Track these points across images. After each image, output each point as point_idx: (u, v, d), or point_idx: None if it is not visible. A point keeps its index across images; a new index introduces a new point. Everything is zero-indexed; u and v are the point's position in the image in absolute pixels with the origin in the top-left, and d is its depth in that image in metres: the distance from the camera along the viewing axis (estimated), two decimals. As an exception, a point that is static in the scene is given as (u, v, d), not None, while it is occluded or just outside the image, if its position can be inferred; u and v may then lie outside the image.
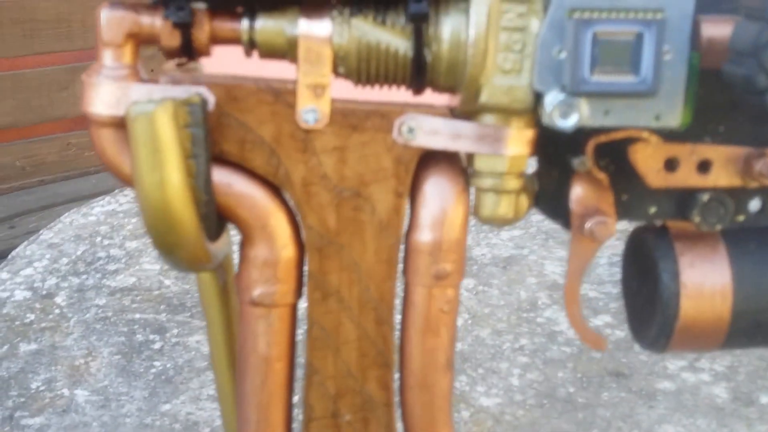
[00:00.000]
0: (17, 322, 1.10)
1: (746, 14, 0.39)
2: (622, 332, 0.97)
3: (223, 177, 0.44)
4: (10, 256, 1.30)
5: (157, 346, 1.04)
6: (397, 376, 0.47)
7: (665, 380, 0.97)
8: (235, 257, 0.49)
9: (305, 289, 0.46)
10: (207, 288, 0.53)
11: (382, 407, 0.47)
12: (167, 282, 1.21)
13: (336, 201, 0.44)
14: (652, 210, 0.46)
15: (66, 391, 0.95)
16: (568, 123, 0.39)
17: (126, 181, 0.43)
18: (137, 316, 1.11)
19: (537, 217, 0.48)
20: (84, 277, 1.23)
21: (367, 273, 0.45)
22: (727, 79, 0.38)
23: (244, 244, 0.46)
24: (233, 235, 0.48)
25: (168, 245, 0.42)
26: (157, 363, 1.00)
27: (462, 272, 0.46)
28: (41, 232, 1.39)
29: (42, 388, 0.96)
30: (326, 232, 0.45)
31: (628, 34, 0.38)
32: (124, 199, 1.54)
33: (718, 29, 0.39)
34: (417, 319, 0.46)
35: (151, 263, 1.27)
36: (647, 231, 0.48)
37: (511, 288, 1.20)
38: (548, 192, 0.46)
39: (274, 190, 0.45)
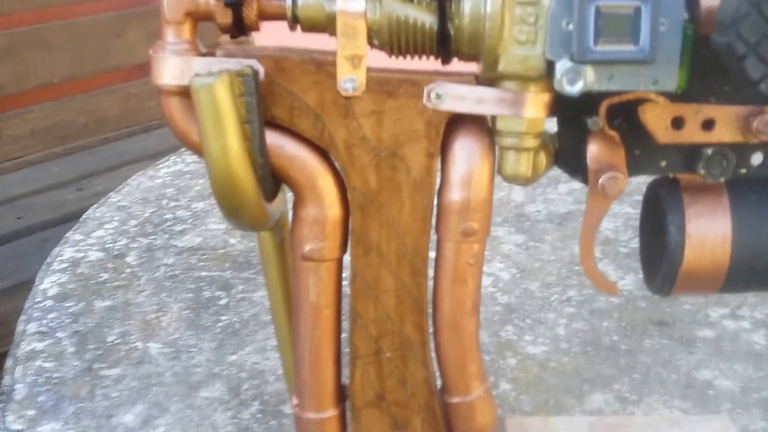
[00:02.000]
0: (92, 281, 1.17)
1: None
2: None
3: (276, 140, 0.49)
4: (81, 219, 1.37)
5: (223, 301, 1.11)
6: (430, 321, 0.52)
7: (706, 328, 1.00)
8: (290, 215, 0.55)
9: (349, 245, 0.52)
10: (266, 245, 0.59)
11: (418, 346, 0.52)
12: (232, 241, 1.27)
13: (375, 161, 0.49)
14: (663, 164, 0.50)
15: (140, 344, 1.02)
16: (575, 88, 0.44)
17: (195, 149, 0.49)
18: (204, 273, 1.18)
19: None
20: (153, 237, 1.30)
21: (404, 229, 0.50)
22: (714, 47, 0.42)
23: (296, 204, 0.51)
24: (288, 196, 0.53)
25: (232, 207, 0.48)
26: (223, 317, 1.07)
27: (488, 229, 0.51)
28: (110, 195, 1.46)
29: (117, 341, 1.03)
30: (368, 191, 0.50)
31: (627, 8, 0.43)
32: (190, 159, 1.60)
33: (714, 1, 0.43)
34: (447, 270, 0.51)
35: (217, 223, 1.33)
36: (660, 184, 0.52)
37: (564, 243, 1.24)
38: (567, 150, 0.50)
39: (322, 153, 0.50)
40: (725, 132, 0.48)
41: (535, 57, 0.45)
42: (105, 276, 1.19)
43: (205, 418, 0.88)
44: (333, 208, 0.50)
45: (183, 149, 1.63)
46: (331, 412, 0.56)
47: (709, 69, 0.46)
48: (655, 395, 0.89)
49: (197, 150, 0.48)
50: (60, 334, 1.04)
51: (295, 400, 0.57)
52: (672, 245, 0.50)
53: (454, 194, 0.50)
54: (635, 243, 0.60)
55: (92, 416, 0.89)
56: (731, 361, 0.93)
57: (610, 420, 0.84)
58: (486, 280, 1.12)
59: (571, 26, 0.44)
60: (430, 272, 0.51)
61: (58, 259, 1.24)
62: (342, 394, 0.57)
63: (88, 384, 0.95)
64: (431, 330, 0.53)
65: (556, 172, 0.54)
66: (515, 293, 1.10)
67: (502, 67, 0.46)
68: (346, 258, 0.52)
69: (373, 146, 0.49)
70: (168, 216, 1.37)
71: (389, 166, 0.49)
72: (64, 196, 2.35)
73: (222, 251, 1.24)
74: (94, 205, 1.43)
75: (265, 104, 0.48)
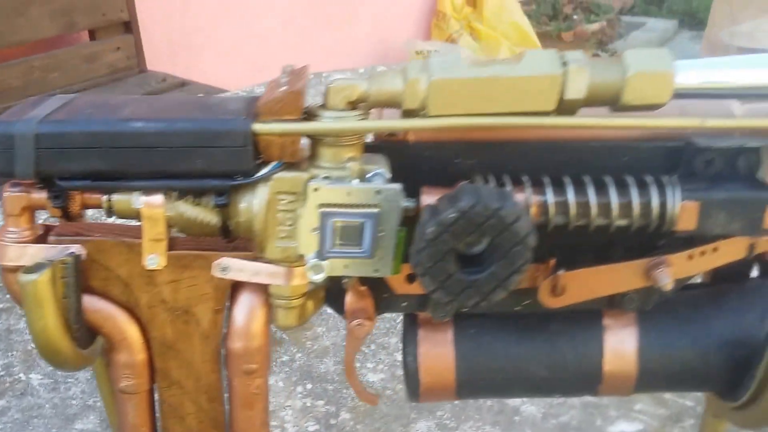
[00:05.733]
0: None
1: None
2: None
3: (92, 304, 0.61)
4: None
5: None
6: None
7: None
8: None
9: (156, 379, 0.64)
10: (97, 366, 0.70)
11: None
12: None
13: (171, 318, 0.61)
14: (404, 304, 0.64)
15: (23, 376, 1.13)
16: (319, 277, 0.57)
17: None
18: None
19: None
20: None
21: (197, 368, 0.63)
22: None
23: (109, 351, 0.63)
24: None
25: (54, 363, 0.59)
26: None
27: (267, 367, 0.64)
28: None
29: (2, 373, 1.14)
30: (166, 340, 0.62)
31: (356, 223, 0.55)
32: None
33: (432, 198, 0.56)
34: (238, 399, 0.64)
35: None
36: (406, 318, 0.66)
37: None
38: (334, 296, 0.63)
39: (129, 311, 0.62)
40: None
41: (292, 248, 0.58)
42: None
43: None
44: (140, 354, 0.62)
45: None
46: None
47: None
48: (471, 421, 1.03)
49: None
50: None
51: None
52: (410, 371, 0.64)
53: (236, 343, 0.62)
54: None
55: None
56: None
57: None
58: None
59: (316, 233, 0.56)
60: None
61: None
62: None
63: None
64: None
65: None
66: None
67: (268, 254, 0.59)
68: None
69: (170, 306, 0.61)
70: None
71: (183, 321, 0.61)
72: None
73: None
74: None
75: (84, 277, 0.59)
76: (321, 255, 0.56)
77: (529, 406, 1.05)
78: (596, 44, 3.96)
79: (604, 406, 1.11)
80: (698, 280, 0.70)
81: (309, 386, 1.11)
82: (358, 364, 1.15)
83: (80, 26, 2.69)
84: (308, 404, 1.04)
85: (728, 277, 0.67)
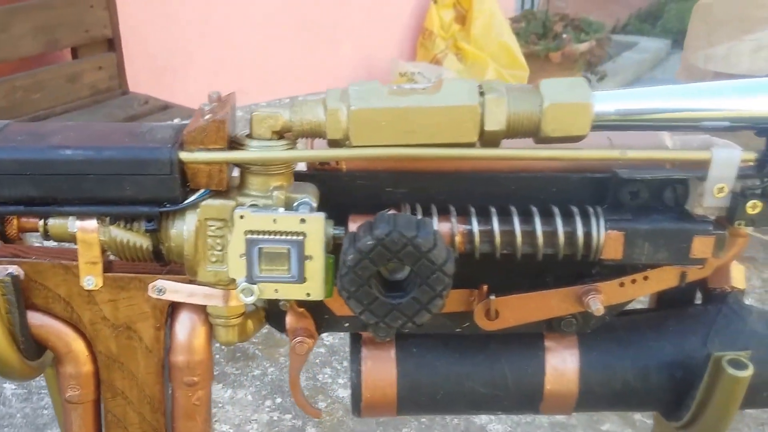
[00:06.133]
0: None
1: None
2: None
3: (38, 319, 0.63)
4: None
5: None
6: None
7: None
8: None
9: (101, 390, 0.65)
10: (49, 379, 0.72)
11: None
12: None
13: (114, 334, 0.63)
14: (346, 325, 0.65)
15: (-4, 385, 1.15)
16: (249, 300, 0.58)
17: None
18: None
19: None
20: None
21: (141, 380, 0.64)
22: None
23: (57, 362, 0.64)
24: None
25: (4, 374, 0.62)
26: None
27: (208, 379, 0.65)
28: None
29: (-24, 382, 1.15)
30: (111, 354, 0.63)
31: (281, 249, 0.57)
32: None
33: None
34: (179, 409, 0.65)
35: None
36: (354, 335, 0.67)
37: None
38: (275, 315, 0.65)
39: (74, 326, 0.63)
40: None
41: (223, 272, 0.60)
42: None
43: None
44: (86, 366, 0.64)
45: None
46: None
47: None
48: (436, 439, 1.04)
49: None
50: None
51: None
52: (353, 386, 0.65)
53: (178, 357, 0.63)
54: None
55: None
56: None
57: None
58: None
59: (244, 258, 0.58)
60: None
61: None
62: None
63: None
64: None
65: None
66: (339, 334, 1.25)
67: (200, 278, 0.61)
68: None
69: (112, 323, 0.62)
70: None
71: (126, 336, 0.63)
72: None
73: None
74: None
75: (26, 295, 0.61)
76: (250, 278, 0.58)
77: (496, 425, 1.06)
78: (585, 65, 3.97)
79: (572, 426, 1.12)
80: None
81: (278, 400, 1.12)
82: (329, 380, 1.16)
83: (63, 44, 2.71)
84: (275, 418, 1.05)
85: (672, 303, 0.69)
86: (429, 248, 0.54)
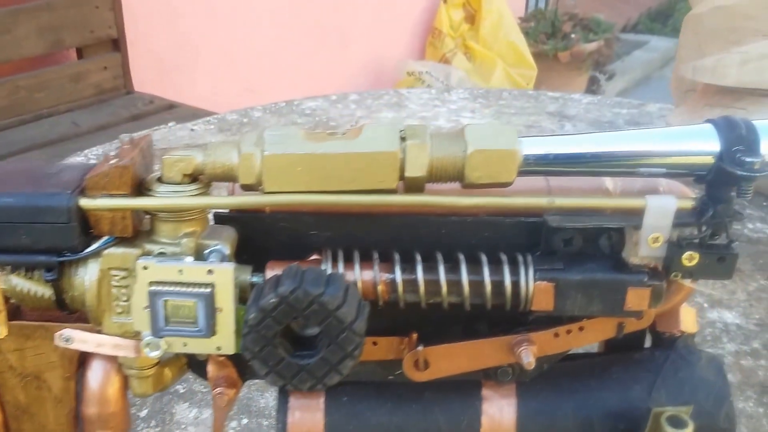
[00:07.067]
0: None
1: None
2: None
3: None
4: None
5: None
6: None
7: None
8: None
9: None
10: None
11: None
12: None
13: (22, 383, 0.60)
14: (264, 371, 0.62)
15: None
16: (155, 354, 0.54)
17: None
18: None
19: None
20: None
21: (51, 431, 0.61)
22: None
23: (-35, 412, 0.62)
24: None
25: None
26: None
27: (125, 429, 0.62)
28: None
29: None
30: (19, 404, 0.60)
31: (188, 302, 0.53)
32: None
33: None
34: (94, 463, 0.62)
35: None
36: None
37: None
38: (196, 364, 0.61)
39: None
40: None
41: (129, 324, 0.56)
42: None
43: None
44: (-6, 416, 0.61)
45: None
46: None
47: None
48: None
49: None
50: None
51: None
52: None
53: (90, 408, 0.60)
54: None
55: None
56: None
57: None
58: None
59: (148, 310, 0.54)
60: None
61: None
62: None
63: None
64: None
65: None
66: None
67: (105, 329, 0.57)
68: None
69: (20, 372, 0.59)
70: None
71: (34, 386, 0.60)
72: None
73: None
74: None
75: None
76: (155, 332, 0.54)
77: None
78: (593, 65, 3.91)
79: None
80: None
81: (245, 421, 1.09)
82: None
83: (68, 44, 2.67)
84: (242, 441, 1.03)
85: (619, 347, 0.65)
86: (336, 306, 0.50)
